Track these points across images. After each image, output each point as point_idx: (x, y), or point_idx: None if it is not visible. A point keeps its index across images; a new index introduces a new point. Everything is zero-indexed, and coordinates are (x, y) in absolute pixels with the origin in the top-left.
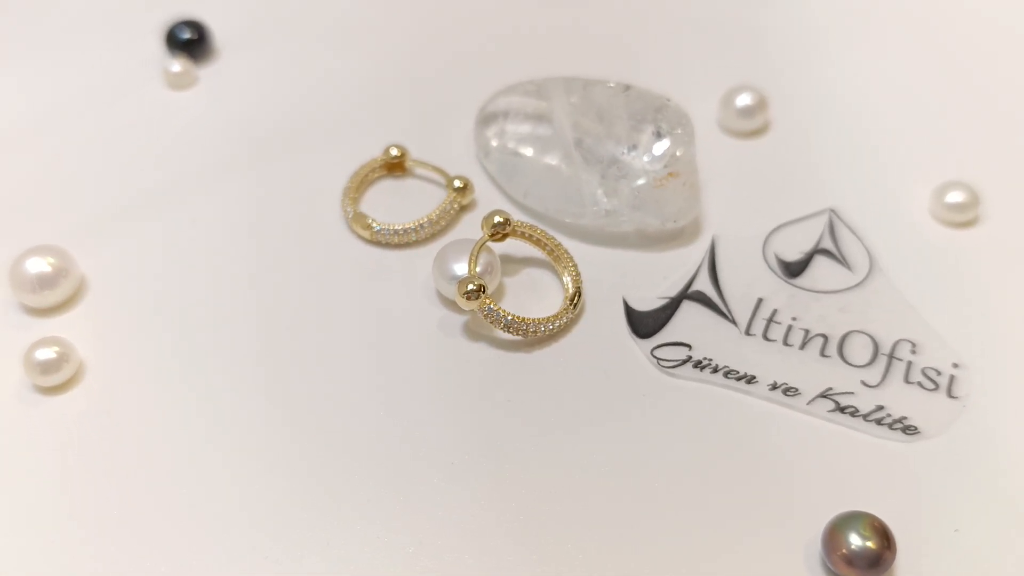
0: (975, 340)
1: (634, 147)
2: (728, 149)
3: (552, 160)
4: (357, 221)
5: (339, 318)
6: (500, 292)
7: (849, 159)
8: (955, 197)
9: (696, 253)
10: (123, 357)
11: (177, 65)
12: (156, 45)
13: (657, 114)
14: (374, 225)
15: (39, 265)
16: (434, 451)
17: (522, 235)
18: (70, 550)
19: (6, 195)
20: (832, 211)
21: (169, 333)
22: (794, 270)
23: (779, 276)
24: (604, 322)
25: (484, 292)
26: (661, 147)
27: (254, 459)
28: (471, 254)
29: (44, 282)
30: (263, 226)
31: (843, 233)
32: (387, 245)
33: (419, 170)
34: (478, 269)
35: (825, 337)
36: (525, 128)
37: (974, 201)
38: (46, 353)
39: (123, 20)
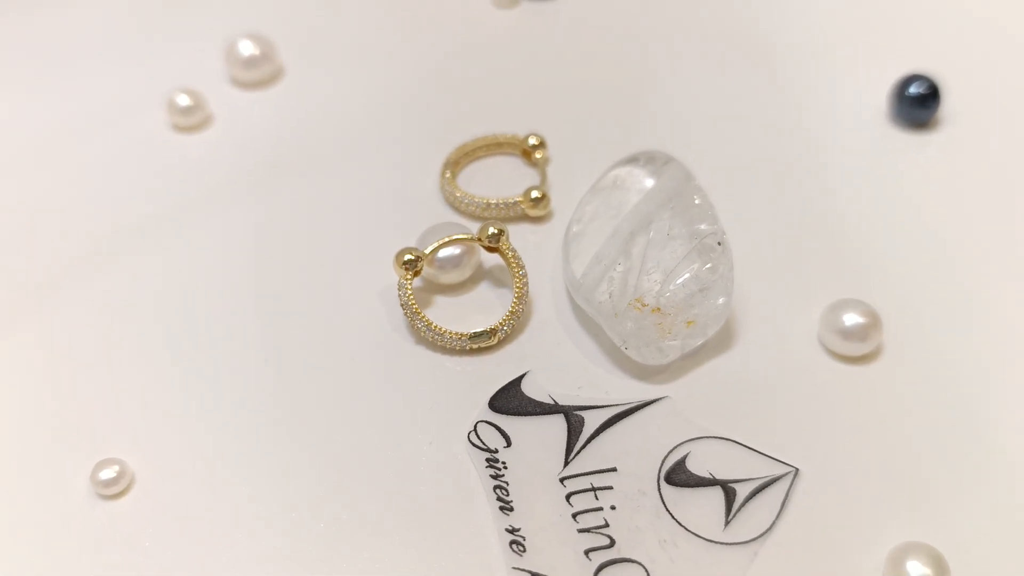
0: None
1: (667, 266)
2: (809, 363)
3: (613, 222)
4: (445, 166)
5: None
6: (459, 288)
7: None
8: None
9: (636, 395)
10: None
11: None
12: None
13: (712, 254)
14: (446, 175)
15: (248, 48)
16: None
17: (507, 259)
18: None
19: None
20: (796, 472)
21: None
22: (676, 479)
23: (654, 468)
24: (491, 371)
25: (414, 268)
26: (679, 280)
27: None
28: (444, 237)
29: (251, 63)
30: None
31: (773, 495)
32: (445, 200)
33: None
34: (452, 252)
35: (612, 543)
36: (647, 183)
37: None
38: (184, 99)
39: None
